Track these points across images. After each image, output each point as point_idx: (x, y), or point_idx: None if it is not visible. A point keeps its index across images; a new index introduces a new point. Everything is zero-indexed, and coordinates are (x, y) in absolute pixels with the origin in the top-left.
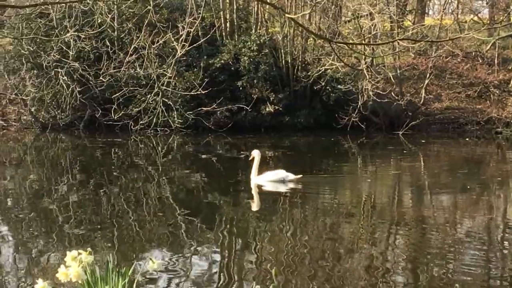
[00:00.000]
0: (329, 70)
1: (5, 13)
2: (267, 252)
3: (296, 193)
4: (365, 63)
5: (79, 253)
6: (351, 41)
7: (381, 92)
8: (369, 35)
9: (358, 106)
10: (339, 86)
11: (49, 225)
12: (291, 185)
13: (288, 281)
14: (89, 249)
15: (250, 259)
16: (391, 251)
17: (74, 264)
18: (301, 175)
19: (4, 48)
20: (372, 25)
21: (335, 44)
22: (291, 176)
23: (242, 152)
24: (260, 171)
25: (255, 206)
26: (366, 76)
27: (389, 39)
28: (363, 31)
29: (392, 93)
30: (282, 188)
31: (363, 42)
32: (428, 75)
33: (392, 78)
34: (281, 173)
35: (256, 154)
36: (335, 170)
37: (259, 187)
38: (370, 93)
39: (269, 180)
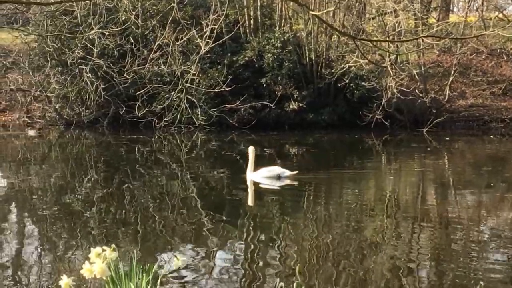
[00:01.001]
0: (353, 67)
1: (30, 11)
2: (291, 249)
3: (320, 190)
4: (389, 60)
5: (104, 250)
6: (375, 38)
7: (405, 89)
8: (394, 32)
9: (382, 104)
10: (363, 83)
11: (73, 221)
12: (311, 182)
13: (312, 279)
14: (113, 245)
15: (273, 256)
16: (415, 249)
17: (98, 260)
18: (297, 172)
19: (29, 45)
20: (397, 22)
21: (359, 41)
22: (287, 172)
23: (265, 149)
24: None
25: (250, 201)
26: (390, 73)
27: (414, 36)
28: (387, 28)
29: (416, 90)
30: (281, 184)
31: (387, 39)
32: (452, 72)
33: (416, 75)
34: (276, 170)
35: (251, 150)
36: (359, 167)
37: (255, 183)
38: (394, 90)
39: (264, 176)
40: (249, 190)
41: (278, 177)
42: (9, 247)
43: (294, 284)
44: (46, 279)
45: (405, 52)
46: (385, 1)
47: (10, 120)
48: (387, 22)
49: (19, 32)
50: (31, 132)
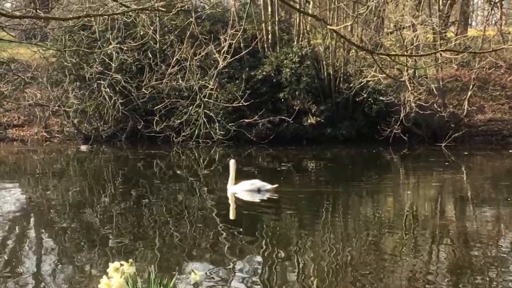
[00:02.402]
0: (371, 82)
1: (48, 26)
2: (309, 263)
3: (338, 204)
4: (407, 74)
5: (121, 264)
6: (393, 53)
7: (423, 104)
8: (412, 47)
9: (400, 118)
10: (381, 98)
11: (91, 236)
12: (328, 197)
13: None
14: (131, 260)
15: (291, 270)
16: (434, 264)
17: (116, 275)
18: (277, 185)
19: (47, 60)
20: (415, 36)
21: (377, 56)
22: (268, 186)
23: (283, 164)
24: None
25: (231, 215)
26: (409, 87)
27: (432, 50)
28: (405, 43)
29: (435, 104)
30: (261, 197)
31: (405, 53)
32: (471, 87)
33: (434, 89)
34: (256, 183)
35: (231, 163)
36: (377, 182)
37: (236, 197)
38: (413, 104)
39: (244, 189)
40: (230, 203)
41: (258, 190)
42: (28, 261)
43: None
44: None
45: (423, 66)
46: (403, 15)
47: (28, 135)
48: (405, 37)
49: (38, 47)
50: (83, 147)
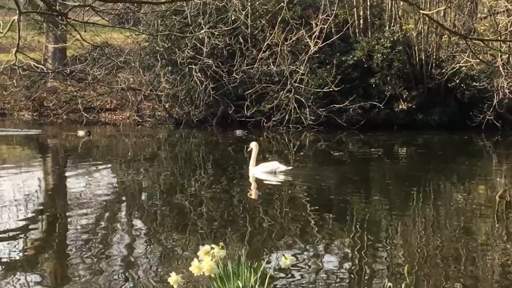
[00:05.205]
0: (463, 68)
1: (141, 10)
2: (399, 249)
3: (429, 190)
4: (501, 60)
5: (212, 248)
6: (487, 38)
7: None
8: (506, 32)
9: (494, 104)
10: (474, 84)
11: (181, 219)
12: (419, 182)
13: (420, 280)
14: (221, 243)
15: (381, 256)
16: None
17: (207, 258)
18: (291, 167)
19: (139, 45)
20: (509, 21)
21: (470, 41)
22: (282, 167)
23: (373, 150)
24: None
25: (253, 195)
26: (502, 73)
27: None
28: (499, 28)
29: None
30: (277, 179)
31: (500, 38)
32: None
33: None
34: (272, 165)
35: (254, 145)
36: (468, 168)
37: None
38: (506, 91)
39: (263, 171)
40: (252, 184)
41: (274, 172)
42: (119, 243)
43: (403, 285)
44: (154, 275)
45: None
46: (497, 0)
47: (120, 119)
48: (499, 22)
49: (130, 32)
50: (239, 132)
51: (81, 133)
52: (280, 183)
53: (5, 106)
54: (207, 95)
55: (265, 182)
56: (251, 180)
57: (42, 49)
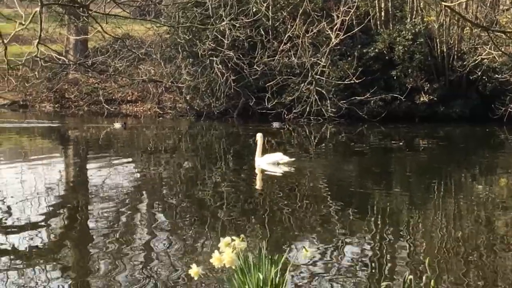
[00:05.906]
0: (485, 60)
1: (162, 2)
2: (420, 242)
3: (449, 183)
4: None
5: (233, 240)
6: (509, 30)
7: None
8: None
9: None
10: (496, 76)
11: (202, 211)
12: (440, 175)
13: (441, 273)
14: (242, 235)
15: (402, 249)
16: None
17: (227, 250)
18: (294, 159)
19: (161, 37)
20: None
21: (492, 33)
22: (285, 158)
23: (394, 142)
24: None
25: (258, 185)
26: None
27: None
28: None
29: None
30: (280, 170)
31: None
32: None
33: None
34: (275, 156)
35: (259, 137)
36: (490, 161)
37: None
38: None
39: (267, 162)
40: (257, 174)
41: (277, 163)
42: (140, 235)
43: (424, 277)
44: (175, 267)
45: None
46: None
47: (141, 110)
48: None
49: (152, 24)
50: (276, 124)
51: (117, 125)
52: (301, 176)
53: (27, 98)
54: (228, 87)
55: (285, 174)
56: (257, 170)
57: (63, 41)
